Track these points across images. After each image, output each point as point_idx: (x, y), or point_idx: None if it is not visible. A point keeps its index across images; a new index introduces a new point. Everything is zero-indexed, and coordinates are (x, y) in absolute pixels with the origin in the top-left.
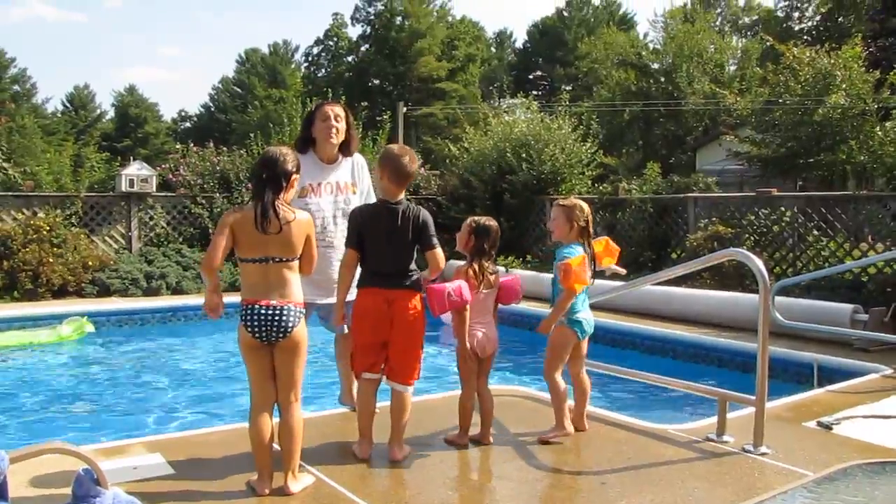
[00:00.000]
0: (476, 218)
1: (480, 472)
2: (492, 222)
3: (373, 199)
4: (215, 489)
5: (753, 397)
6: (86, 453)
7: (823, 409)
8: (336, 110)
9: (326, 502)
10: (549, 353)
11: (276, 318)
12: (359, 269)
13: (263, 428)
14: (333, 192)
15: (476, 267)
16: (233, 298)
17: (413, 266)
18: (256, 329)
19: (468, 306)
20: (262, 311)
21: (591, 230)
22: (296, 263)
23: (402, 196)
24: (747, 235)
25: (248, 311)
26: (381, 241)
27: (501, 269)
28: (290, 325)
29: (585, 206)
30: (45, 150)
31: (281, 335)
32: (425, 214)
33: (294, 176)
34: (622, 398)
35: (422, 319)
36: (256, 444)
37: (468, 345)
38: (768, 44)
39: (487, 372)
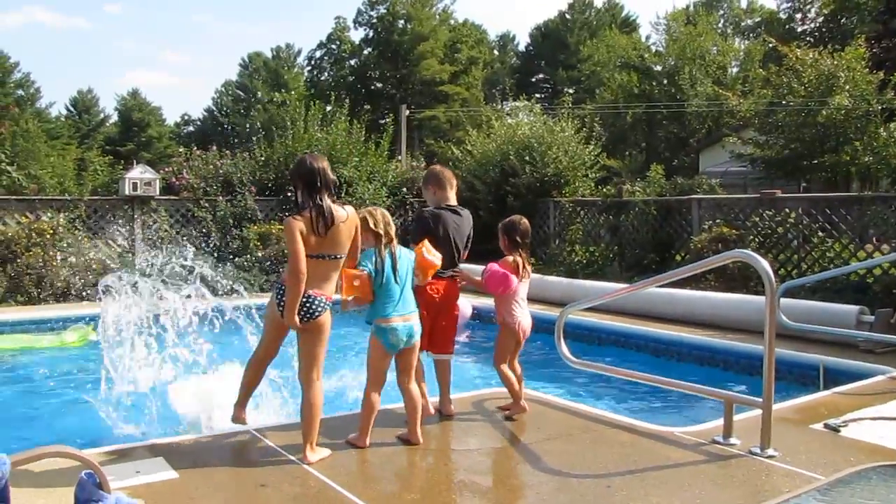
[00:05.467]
0: (505, 220)
1: (484, 475)
2: (515, 217)
3: None
4: (219, 492)
5: (760, 399)
6: (88, 457)
7: (830, 412)
8: None
9: None
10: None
11: (306, 304)
12: None
13: (256, 374)
14: None
15: (517, 258)
16: (235, 301)
17: None
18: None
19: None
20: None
21: (391, 235)
22: (341, 261)
23: (453, 199)
24: (752, 237)
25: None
26: (444, 238)
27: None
28: (317, 312)
29: (378, 211)
30: (48, 154)
31: (306, 319)
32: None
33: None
34: (627, 401)
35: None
36: (245, 384)
37: (516, 328)
38: (771, 45)
39: (519, 350)
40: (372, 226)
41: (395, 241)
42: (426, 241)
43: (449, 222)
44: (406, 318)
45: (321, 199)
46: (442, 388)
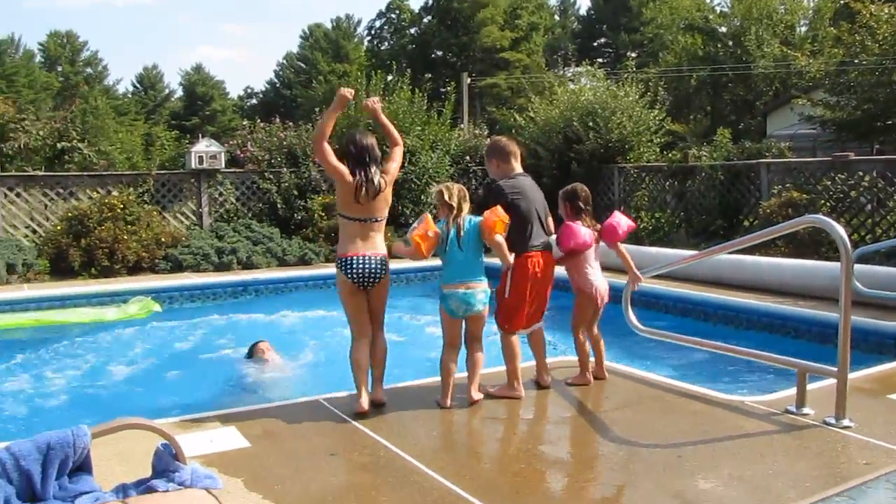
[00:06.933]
0: (566, 188)
1: (554, 444)
2: (576, 185)
3: None
4: (290, 460)
5: (835, 368)
6: (163, 428)
7: None
8: None
9: (399, 475)
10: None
11: (372, 267)
12: None
13: (363, 355)
14: None
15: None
16: (300, 272)
17: None
18: (356, 277)
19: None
20: (360, 263)
21: (462, 208)
22: (383, 224)
23: (519, 169)
24: (823, 201)
25: (348, 263)
26: (532, 209)
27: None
28: (381, 273)
29: (455, 187)
30: (117, 130)
31: (375, 281)
32: None
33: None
34: (694, 369)
35: None
36: (357, 367)
37: (593, 293)
38: (842, 2)
39: (599, 317)
40: (447, 198)
41: (463, 214)
42: (497, 207)
43: (526, 191)
44: (468, 286)
45: (368, 173)
46: (538, 358)
